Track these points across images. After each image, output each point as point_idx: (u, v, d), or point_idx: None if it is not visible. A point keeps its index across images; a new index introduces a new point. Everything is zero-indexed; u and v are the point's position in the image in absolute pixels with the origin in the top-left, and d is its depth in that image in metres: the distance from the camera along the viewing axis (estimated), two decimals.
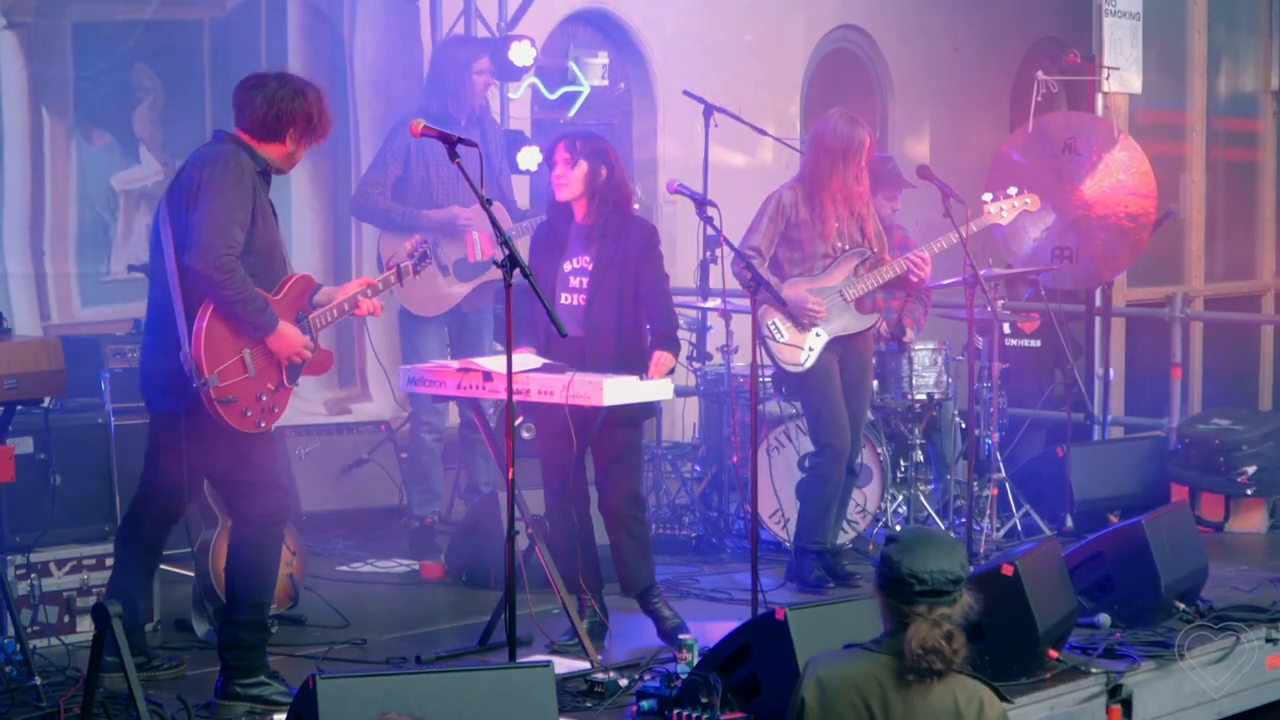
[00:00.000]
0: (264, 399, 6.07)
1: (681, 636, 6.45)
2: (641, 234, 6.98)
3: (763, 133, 9.53)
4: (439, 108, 8.59)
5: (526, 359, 6.72)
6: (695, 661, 6.20)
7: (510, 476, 5.86)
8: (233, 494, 6.24)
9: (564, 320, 6.63)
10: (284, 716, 5.49)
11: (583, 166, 6.87)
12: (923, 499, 8.82)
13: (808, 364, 7.89)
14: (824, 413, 7.93)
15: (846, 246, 7.95)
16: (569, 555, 6.94)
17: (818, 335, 7.88)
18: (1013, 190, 8.36)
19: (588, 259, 6.93)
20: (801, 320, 7.86)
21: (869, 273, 7.97)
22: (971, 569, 4.69)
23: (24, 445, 6.94)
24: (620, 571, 7.03)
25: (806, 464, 8.20)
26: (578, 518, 7.01)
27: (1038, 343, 10.36)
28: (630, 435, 6.96)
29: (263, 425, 6.08)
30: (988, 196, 8.34)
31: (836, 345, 7.95)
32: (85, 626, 6.85)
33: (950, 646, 4.48)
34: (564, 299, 6.94)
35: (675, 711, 5.89)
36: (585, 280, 6.93)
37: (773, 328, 7.87)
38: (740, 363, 8.72)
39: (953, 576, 4.53)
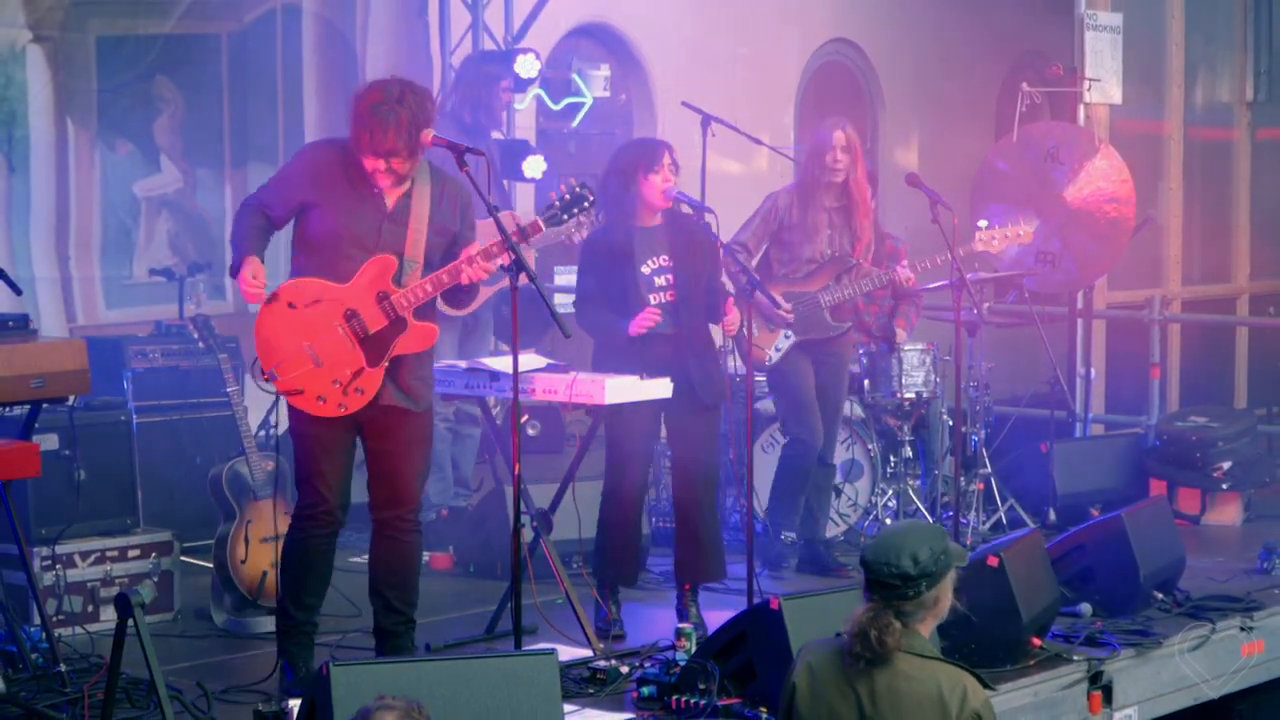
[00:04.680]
0: (340, 384, 5.93)
1: (680, 625, 6.45)
2: (702, 227, 7.01)
3: (758, 142, 9.53)
4: (473, 119, 8.61)
5: (532, 359, 6.72)
6: (693, 649, 6.21)
7: (516, 472, 5.86)
8: None
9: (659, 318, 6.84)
10: (298, 703, 5.48)
11: (677, 175, 6.93)
12: (911, 493, 8.82)
13: (771, 361, 7.94)
14: (792, 408, 8.02)
15: (834, 253, 7.97)
16: (630, 552, 7.03)
17: (786, 336, 7.91)
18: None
19: (666, 258, 6.96)
20: (772, 321, 7.87)
21: (851, 282, 7.99)
22: (950, 568, 4.63)
23: (49, 442, 6.95)
24: (702, 560, 7.03)
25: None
26: (638, 514, 7.05)
27: None
28: (712, 421, 7.02)
29: (345, 409, 5.94)
30: (983, 223, 8.30)
31: (810, 347, 7.99)
32: (108, 616, 6.87)
33: (879, 638, 4.45)
34: (653, 299, 6.94)
35: (674, 697, 5.90)
36: (670, 278, 6.95)
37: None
38: (735, 362, 8.71)
39: (899, 571, 4.48)
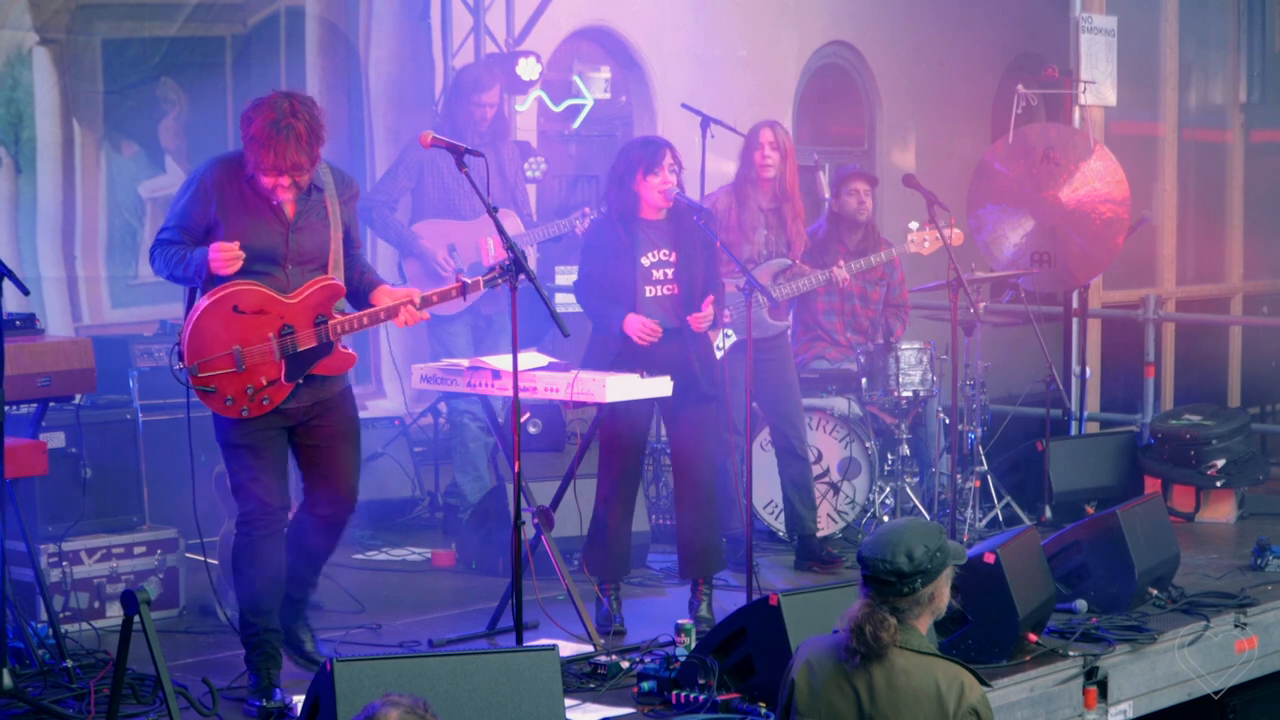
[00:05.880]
0: (251, 391, 5.93)
1: (680, 621, 6.45)
2: (702, 225, 7.02)
3: None
4: (446, 127, 8.62)
5: (533, 357, 6.73)
6: (693, 645, 6.21)
7: (517, 469, 5.86)
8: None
9: (657, 311, 6.91)
10: (301, 698, 5.48)
11: (677, 175, 6.94)
12: (909, 491, 8.82)
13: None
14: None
15: (770, 254, 7.99)
16: (623, 548, 7.04)
17: (726, 335, 7.90)
18: (941, 221, 8.29)
19: (668, 251, 6.97)
20: (718, 320, 7.82)
21: (787, 282, 8.01)
22: (947, 565, 4.63)
23: (56, 440, 6.96)
24: (707, 554, 7.05)
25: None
26: (628, 508, 7.06)
27: None
28: (712, 413, 7.05)
29: (246, 413, 5.93)
30: (914, 225, 8.29)
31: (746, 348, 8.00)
32: (114, 612, 6.86)
33: (874, 634, 4.46)
34: (649, 291, 6.95)
35: (674, 692, 5.90)
36: (670, 271, 6.96)
37: None
38: None
39: (894, 568, 4.49)
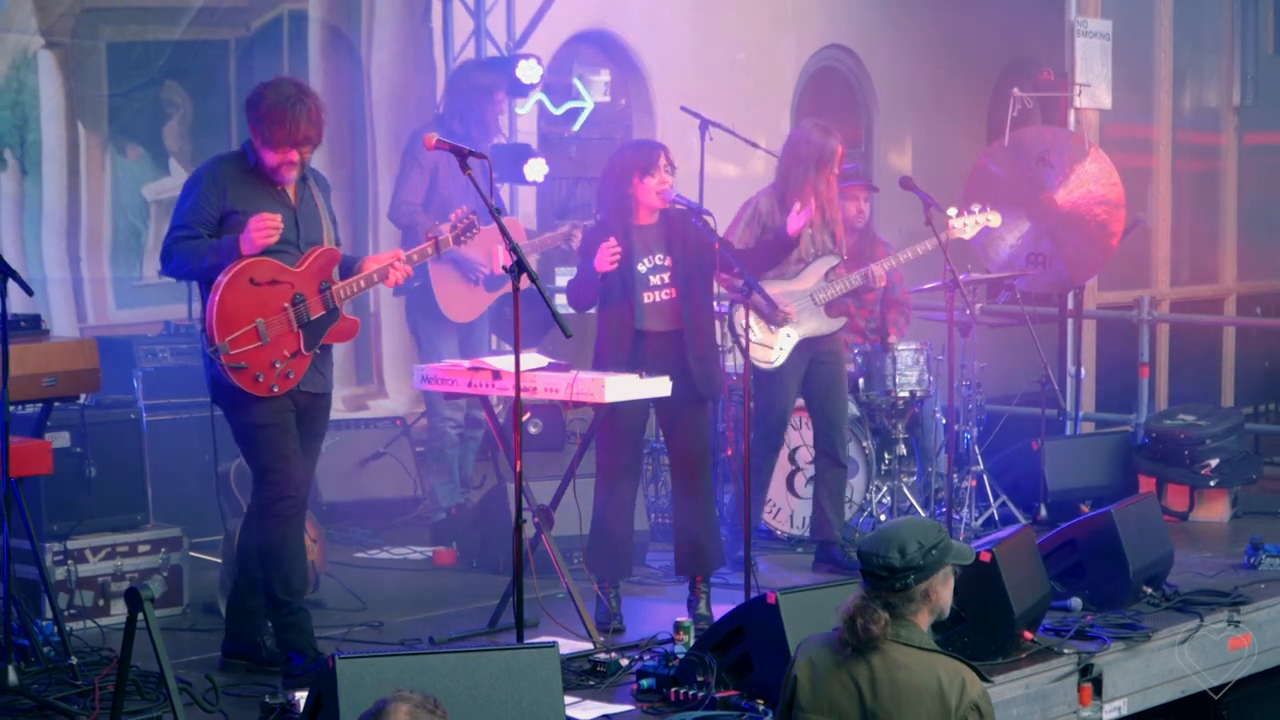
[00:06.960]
0: (278, 365, 6.05)
1: (678, 619, 6.45)
2: (699, 225, 6.98)
3: (755, 145, 9.52)
4: (462, 129, 8.50)
5: (533, 358, 6.73)
6: (691, 642, 6.21)
7: (518, 469, 5.86)
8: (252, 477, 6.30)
9: (655, 315, 6.89)
10: (304, 695, 5.48)
11: (672, 176, 6.93)
12: (906, 490, 8.82)
13: (778, 362, 7.89)
14: (771, 412, 7.98)
15: (818, 252, 7.96)
16: (624, 547, 7.03)
17: (788, 335, 7.88)
18: (976, 207, 8.33)
19: (662, 255, 6.94)
20: (775, 319, 7.83)
21: (839, 279, 8.00)
22: (943, 564, 4.63)
23: (61, 439, 6.96)
24: (700, 552, 7.03)
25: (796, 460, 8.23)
26: (627, 507, 7.04)
27: None
28: (705, 414, 7.04)
29: (276, 390, 6.05)
30: (952, 211, 8.30)
31: (806, 348, 7.96)
32: (118, 609, 6.87)
33: (864, 625, 4.49)
34: (648, 298, 6.93)
35: (673, 689, 5.90)
36: (667, 276, 6.94)
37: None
38: (734, 360, 8.71)
39: (885, 563, 4.52)
